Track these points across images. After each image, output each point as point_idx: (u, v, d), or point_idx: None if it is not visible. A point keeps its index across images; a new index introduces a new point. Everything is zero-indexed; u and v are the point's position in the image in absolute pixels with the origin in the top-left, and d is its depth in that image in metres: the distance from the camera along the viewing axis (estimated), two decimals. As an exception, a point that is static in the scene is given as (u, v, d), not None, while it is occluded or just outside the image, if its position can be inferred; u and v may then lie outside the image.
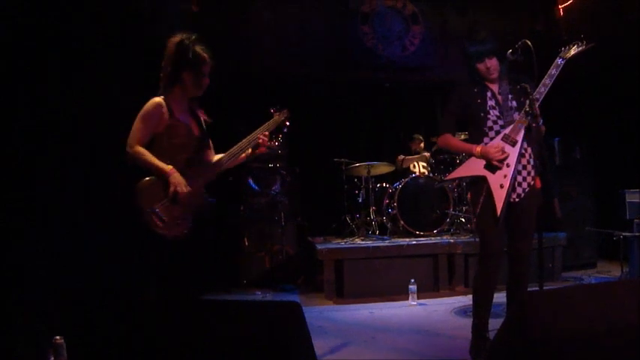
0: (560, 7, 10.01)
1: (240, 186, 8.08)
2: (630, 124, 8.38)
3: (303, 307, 2.39)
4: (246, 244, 7.89)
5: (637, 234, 6.69)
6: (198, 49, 3.84)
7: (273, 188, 8.16)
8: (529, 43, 4.08)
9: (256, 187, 8.13)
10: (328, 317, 5.97)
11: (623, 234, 6.74)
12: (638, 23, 8.11)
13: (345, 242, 7.51)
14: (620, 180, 7.54)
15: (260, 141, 4.06)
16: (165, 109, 3.77)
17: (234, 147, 4.05)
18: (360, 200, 8.33)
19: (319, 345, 4.76)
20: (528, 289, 4.24)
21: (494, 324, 3.68)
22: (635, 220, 6.81)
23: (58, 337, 3.71)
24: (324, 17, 9.68)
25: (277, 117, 4.23)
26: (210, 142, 4.11)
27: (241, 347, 2.26)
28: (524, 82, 4.07)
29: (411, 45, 9.85)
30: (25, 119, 4.17)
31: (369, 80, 9.77)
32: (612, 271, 7.71)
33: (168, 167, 3.69)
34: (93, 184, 5.00)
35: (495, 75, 4.20)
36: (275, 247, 7.89)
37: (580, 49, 4.23)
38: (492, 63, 4.16)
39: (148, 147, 3.75)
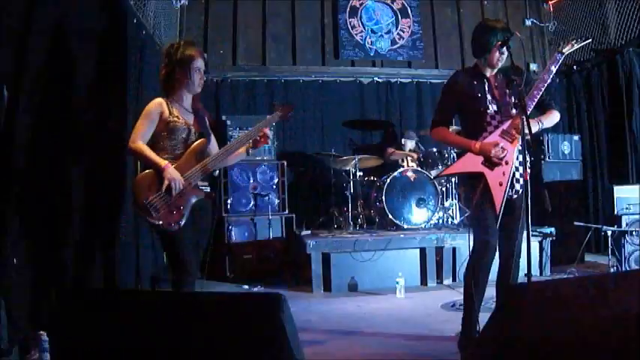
0: (550, 2, 10.02)
1: (227, 179, 8.04)
2: (619, 120, 8.40)
3: (291, 301, 2.36)
4: (234, 238, 7.86)
5: (625, 229, 6.70)
6: (186, 49, 4.13)
7: (261, 181, 8.12)
8: (518, 34, 4.07)
9: (243, 181, 8.09)
10: (315, 310, 5.94)
11: (612, 229, 6.75)
12: (626, 20, 8.13)
13: (333, 236, 7.48)
14: (608, 175, 7.55)
15: (260, 134, 4.24)
16: (165, 109, 4.07)
17: (233, 141, 4.32)
18: (347, 193, 8.29)
19: (306, 338, 4.74)
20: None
21: (484, 318, 3.67)
22: (624, 215, 6.82)
23: (41, 332, 3.70)
24: (313, 10, 9.65)
25: (280, 112, 4.39)
26: (213, 138, 4.33)
27: (224, 339, 2.23)
28: (513, 76, 4.06)
29: (400, 38, 9.84)
30: (25, 119, 4.13)
31: (358, 73, 9.74)
32: (600, 266, 7.71)
33: (164, 162, 3.95)
34: (92, 181, 4.97)
35: (499, 64, 4.19)
36: (262, 241, 7.85)
37: (578, 44, 4.23)
38: (505, 52, 4.15)
39: (150, 143, 4.04)
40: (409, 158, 8.32)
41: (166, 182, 3.90)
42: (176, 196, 3.94)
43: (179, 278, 4.01)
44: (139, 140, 3.99)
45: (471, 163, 4.13)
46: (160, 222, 3.91)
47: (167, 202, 3.93)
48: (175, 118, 4.07)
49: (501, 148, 4.03)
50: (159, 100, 4.09)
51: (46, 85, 4.27)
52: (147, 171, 4.00)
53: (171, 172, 3.93)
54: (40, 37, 4.21)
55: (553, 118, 4.28)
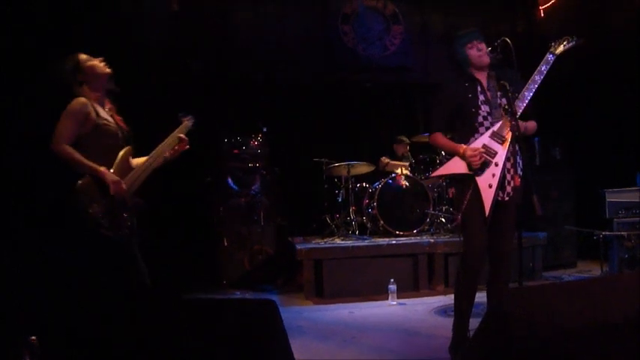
0: (540, 8, 10.05)
1: (220, 186, 8.02)
2: (609, 124, 8.42)
3: (283, 308, 2.36)
4: (226, 244, 7.83)
5: (616, 233, 6.73)
6: (68, 60, 3.86)
7: (253, 188, 8.10)
8: (508, 40, 4.07)
9: (236, 187, 8.07)
10: (307, 317, 5.92)
11: (603, 233, 6.77)
12: (618, 24, 8.16)
13: (325, 242, 7.48)
14: (599, 179, 7.56)
15: (176, 148, 4.06)
16: (92, 110, 3.77)
17: (154, 153, 4.01)
18: (340, 200, 8.30)
19: (298, 345, 4.72)
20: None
21: (475, 323, 3.66)
22: (615, 220, 6.84)
23: (33, 338, 3.67)
24: (304, 18, 9.65)
25: (186, 123, 4.16)
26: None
27: (215, 344, 2.22)
28: (507, 78, 4.06)
29: (392, 45, 9.84)
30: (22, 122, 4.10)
31: (350, 80, 9.74)
32: (592, 270, 7.73)
33: (102, 167, 3.69)
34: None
35: (486, 60, 4.16)
36: (255, 248, 7.84)
37: (570, 44, 4.21)
38: (483, 47, 4.15)
39: (74, 147, 3.71)
40: (403, 168, 8.33)
41: (112, 188, 3.66)
42: (120, 202, 3.72)
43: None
44: (64, 143, 3.68)
45: (462, 164, 4.12)
46: (111, 232, 3.66)
47: (112, 210, 3.68)
48: (105, 121, 3.82)
49: (487, 152, 4.02)
50: (83, 99, 3.79)
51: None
52: (85, 178, 3.71)
53: (113, 177, 3.70)
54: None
55: (533, 128, 4.29)
